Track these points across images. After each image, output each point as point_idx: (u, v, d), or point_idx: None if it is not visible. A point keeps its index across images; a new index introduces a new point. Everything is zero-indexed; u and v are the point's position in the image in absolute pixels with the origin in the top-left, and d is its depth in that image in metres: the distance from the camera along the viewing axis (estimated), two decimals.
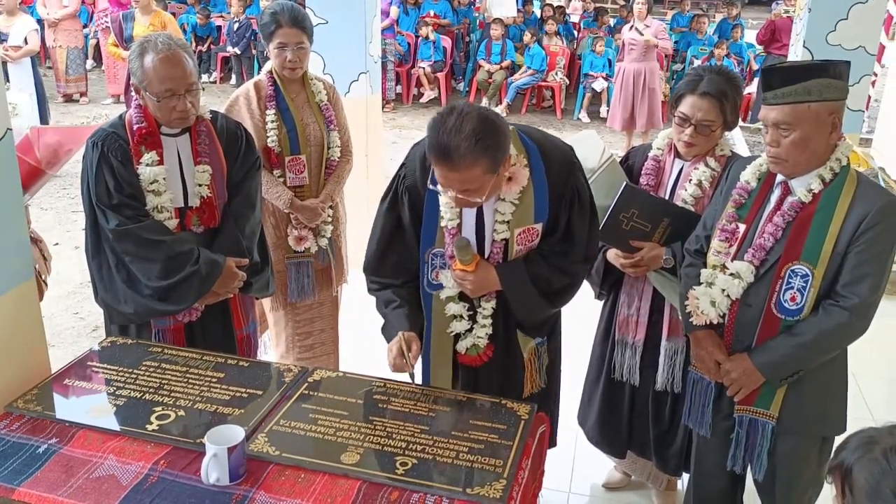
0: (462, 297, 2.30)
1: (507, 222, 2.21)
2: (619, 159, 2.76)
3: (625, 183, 2.53)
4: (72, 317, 4.43)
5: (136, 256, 2.38)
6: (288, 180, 3.13)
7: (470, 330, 2.32)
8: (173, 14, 10.28)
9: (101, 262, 2.46)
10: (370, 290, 2.43)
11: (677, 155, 2.60)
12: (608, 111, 8.57)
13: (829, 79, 2.00)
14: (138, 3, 5.82)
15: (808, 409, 2.16)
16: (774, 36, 9.02)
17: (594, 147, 2.67)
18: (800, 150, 2.03)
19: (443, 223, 2.25)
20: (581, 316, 2.91)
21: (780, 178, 2.15)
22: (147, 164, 2.40)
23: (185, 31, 10.40)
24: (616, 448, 2.91)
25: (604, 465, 3.15)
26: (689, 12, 11.88)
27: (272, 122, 3.09)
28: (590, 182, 2.51)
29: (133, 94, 2.46)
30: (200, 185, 2.49)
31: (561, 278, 2.30)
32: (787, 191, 2.13)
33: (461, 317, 2.30)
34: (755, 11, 12.53)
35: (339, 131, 3.26)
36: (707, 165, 2.52)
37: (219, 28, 11.50)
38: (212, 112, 2.57)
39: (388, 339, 2.29)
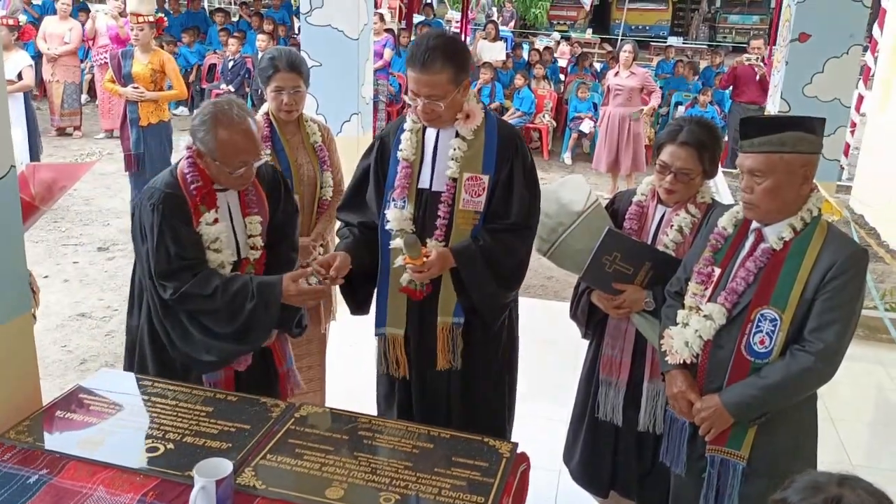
0: (413, 233, 2.55)
1: (458, 160, 2.52)
2: (604, 202, 2.86)
3: (608, 227, 2.62)
4: (59, 350, 4.46)
5: (200, 312, 2.39)
6: None
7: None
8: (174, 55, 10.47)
9: (173, 320, 2.42)
10: (338, 231, 2.79)
11: (660, 201, 2.70)
12: (593, 154, 8.73)
13: (802, 133, 2.11)
14: (138, 41, 5.93)
15: (779, 451, 2.23)
16: (737, 83, 9.24)
17: (580, 190, 2.75)
18: (771, 197, 2.13)
19: (401, 154, 2.57)
20: (566, 355, 2.98)
21: (754, 225, 2.25)
22: (208, 224, 2.41)
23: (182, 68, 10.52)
24: (599, 488, 2.94)
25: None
26: (673, 59, 12.15)
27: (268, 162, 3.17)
28: (575, 224, 2.63)
29: (187, 152, 2.42)
30: (253, 236, 2.51)
31: (509, 257, 2.59)
32: (760, 238, 2.22)
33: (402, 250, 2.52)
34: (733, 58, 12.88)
35: (333, 171, 3.36)
36: (688, 212, 2.62)
37: (212, 66, 11.67)
38: None
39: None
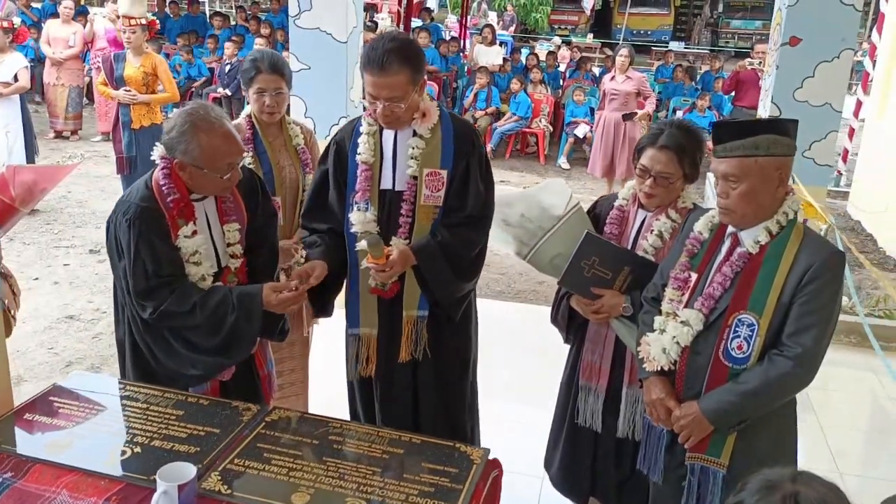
0: (378, 234, 2.59)
1: (417, 158, 2.58)
2: (586, 207, 2.83)
3: (586, 231, 2.60)
4: (46, 352, 4.44)
5: (182, 328, 2.35)
6: None
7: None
8: (167, 55, 10.48)
9: (155, 336, 2.38)
10: (303, 238, 2.79)
11: (641, 206, 2.67)
12: (589, 158, 8.71)
13: (776, 135, 2.09)
14: (130, 44, 5.92)
15: (758, 458, 2.19)
16: (739, 87, 9.21)
17: (561, 194, 2.73)
18: (747, 201, 2.10)
19: (359, 158, 2.61)
20: (557, 360, 2.97)
21: (730, 229, 2.22)
22: (186, 237, 2.35)
23: (176, 73, 10.53)
24: (578, 495, 2.91)
25: None
26: (672, 64, 12.13)
27: (249, 163, 3.16)
28: (555, 228, 2.62)
29: (161, 163, 2.36)
30: (232, 244, 2.47)
31: (467, 250, 2.67)
32: (736, 242, 2.20)
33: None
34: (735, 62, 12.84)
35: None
36: (668, 217, 2.59)
37: (211, 70, 11.68)
38: None
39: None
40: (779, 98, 4.23)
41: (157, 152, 2.38)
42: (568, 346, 2.94)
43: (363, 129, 2.65)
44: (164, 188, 2.33)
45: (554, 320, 2.90)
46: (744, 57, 11.06)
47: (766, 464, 2.20)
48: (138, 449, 2.10)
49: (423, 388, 2.78)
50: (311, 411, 3.01)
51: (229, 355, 2.39)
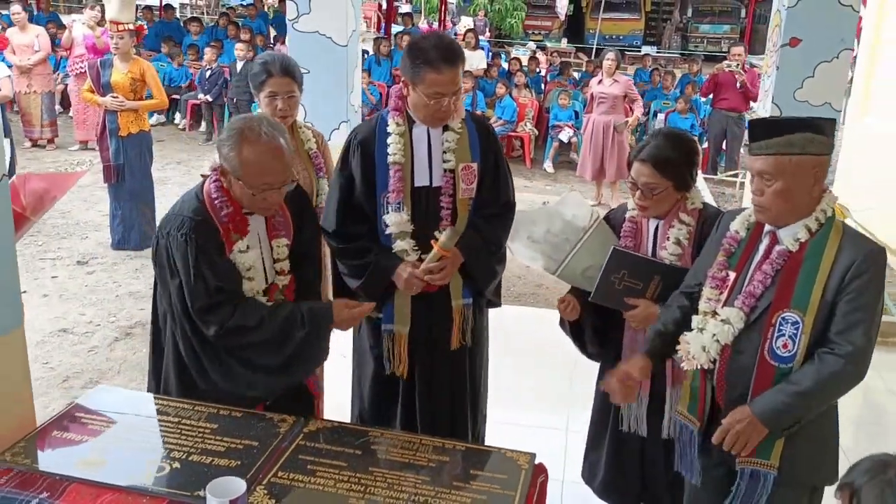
0: (412, 235, 2.65)
1: (454, 151, 2.64)
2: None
3: (612, 246, 2.60)
4: (41, 367, 4.31)
5: (247, 345, 2.24)
6: None
7: (420, 261, 2.62)
8: None
9: (212, 356, 2.25)
10: (340, 251, 2.72)
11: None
12: (578, 159, 8.73)
13: (812, 133, 2.07)
14: (118, 49, 5.80)
15: (803, 458, 2.18)
16: (717, 90, 9.29)
17: (582, 206, 2.75)
18: (782, 199, 2.09)
19: (392, 158, 2.61)
20: (556, 363, 2.97)
21: (768, 227, 2.21)
22: (241, 252, 2.25)
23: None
24: (629, 501, 2.89)
25: None
26: (650, 67, 12.23)
27: None
28: (583, 240, 2.65)
29: (213, 174, 2.28)
30: (280, 261, 2.37)
31: (504, 235, 2.77)
32: (774, 240, 2.18)
33: (408, 252, 2.64)
34: (708, 67, 12.99)
35: (328, 178, 3.28)
36: (682, 222, 2.57)
37: (188, 75, 11.53)
38: None
39: (379, 279, 2.64)
40: (779, 98, 4.26)
41: (210, 163, 2.29)
42: (569, 349, 2.93)
43: (391, 129, 2.64)
44: (216, 201, 2.23)
45: (577, 345, 2.89)
46: (714, 61, 11.17)
47: (812, 464, 2.20)
48: (177, 464, 2.03)
49: (458, 382, 2.85)
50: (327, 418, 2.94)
51: (290, 373, 2.30)
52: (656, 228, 2.64)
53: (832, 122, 2.16)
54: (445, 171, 2.66)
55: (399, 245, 2.64)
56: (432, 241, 2.60)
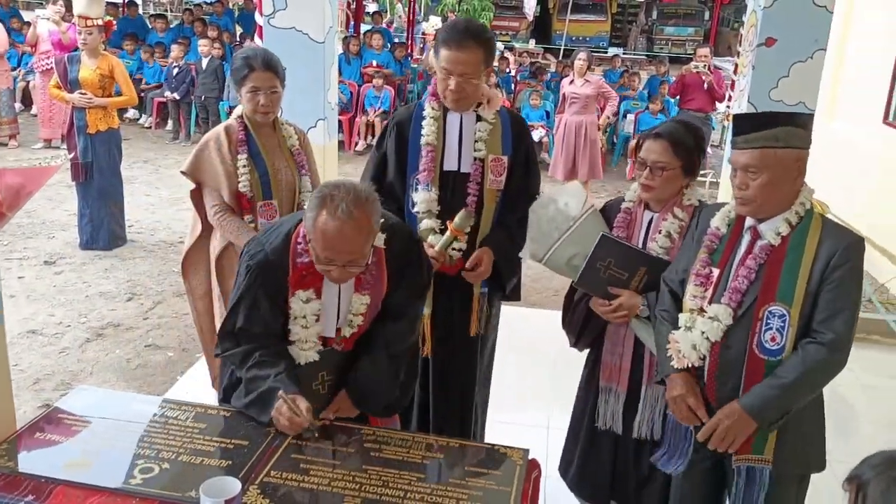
0: (438, 215, 2.72)
1: (486, 141, 2.70)
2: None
3: (601, 233, 2.60)
4: (11, 369, 4.18)
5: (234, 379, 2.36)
6: (259, 225, 3.08)
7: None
8: None
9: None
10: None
11: (647, 207, 2.67)
12: (550, 160, 8.76)
13: (794, 127, 2.12)
14: (86, 45, 5.68)
15: (792, 448, 2.21)
16: (685, 91, 9.39)
17: (577, 195, 2.74)
18: (767, 192, 2.12)
19: (425, 139, 2.70)
20: (540, 362, 2.96)
21: (749, 222, 2.23)
22: (302, 301, 2.23)
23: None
24: (599, 497, 2.88)
25: None
26: (620, 69, 12.34)
27: (244, 166, 3.05)
28: (572, 229, 2.63)
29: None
30: (355, 315, 2.30)
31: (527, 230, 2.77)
32: (756, 235, 2.21)
33: (434, 230, 2.70)
34: (674, 69, 13.12)
35: (311, 176, 3.25)
36: (675, 216, 2.59)
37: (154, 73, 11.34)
38: (388, 230, 2.30)
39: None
40: (755, 97, 4.31)
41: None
42: (564, 349, 2.92)
43: (427, 112, 2.75)
44: (299, 247, 2.20)
45: (566, 324, 2.88)
46: (679, 62, 11.27)
47: (802, 453, 2.22)
48: (166, 465, 1.99)
49: (470, 368, 2.91)
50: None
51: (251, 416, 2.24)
52: (650, 221, 2.65)
53: (811, 117, 2.21)
54: (476, 159, 2.73)
55: (425, 223, 2.71)
56: (447, 223, 2.67)
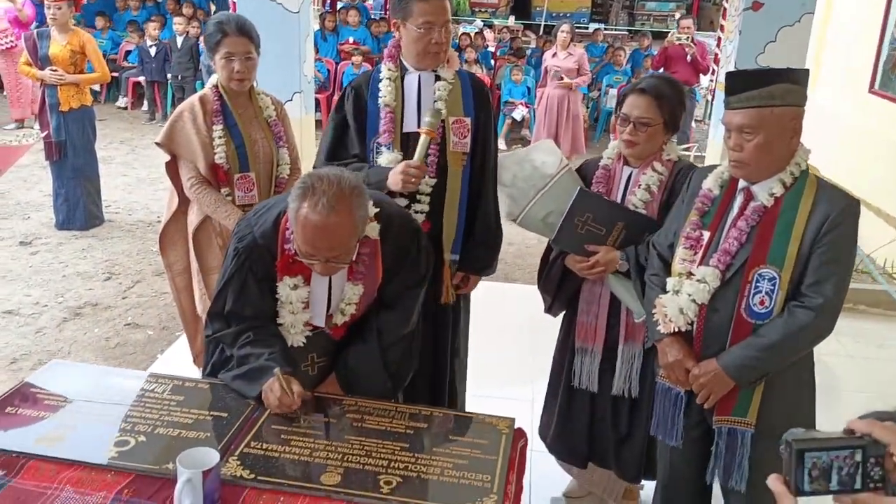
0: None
1: (445, 101, 2.62)
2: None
3: (579, 187, 2.57)
4: None
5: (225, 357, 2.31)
6: (237, 198, 3.01)
7: (408, 207, 2.60)
8: None
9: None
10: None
11: (626, 163, 2.65)
12: (531, 136, 8.70)
13: (790, 84, 2.05)
14: (56, 21, 5.52)
15: (780, 413, 2.18)
16: (668, 63, 9.32)
17: (552, 153, 2.72)
18: (763, 153, 2.06)
19: (382, 101, 2.62)
20: (514, 336, 2.93)
21: (742, 184, 2.18)
22: (289, 287, 2.17)
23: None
24: (578, 458, 2.90)
25: (560, 482, 3.12)
26: (602, 43, 12.25)
27: (220, 137, 2.98)
28: (548, 186, 2.62)
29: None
30: (348, 304, 2.23)
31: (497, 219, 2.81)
32: (749, 196, 2.16)
33: (399, 195, 2.58)
34: (656, 44, 13.05)
35: (289, 148, 3.17)
36: (654, 170, 2.57)
37: (128, 52, 11.13)
38: (385, 219, 2.22)
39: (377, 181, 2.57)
40: (742, 62, 4.27)
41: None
42: (548, 325, 2.92)
43: (384, 73, 2.67)
44: (288, 232, 2.11)
45: (541, 284, 2.86)
46: (661, 38, 11.17)
47: (790, 414, 2.20)
48: (142, 438, 1.93)
49: (441, 340, 2.83)
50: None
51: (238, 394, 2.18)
52: (629, 176, 2.63)
53: (808, 73, 2.15)
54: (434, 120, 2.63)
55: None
56: (418, 129, 2.58)
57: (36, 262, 5.36)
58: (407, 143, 2.64)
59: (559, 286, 2.77)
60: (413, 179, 2.52)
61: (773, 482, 1.12)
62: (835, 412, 4.01)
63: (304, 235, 1.98)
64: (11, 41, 8.73)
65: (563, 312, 2.86)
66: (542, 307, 2.88)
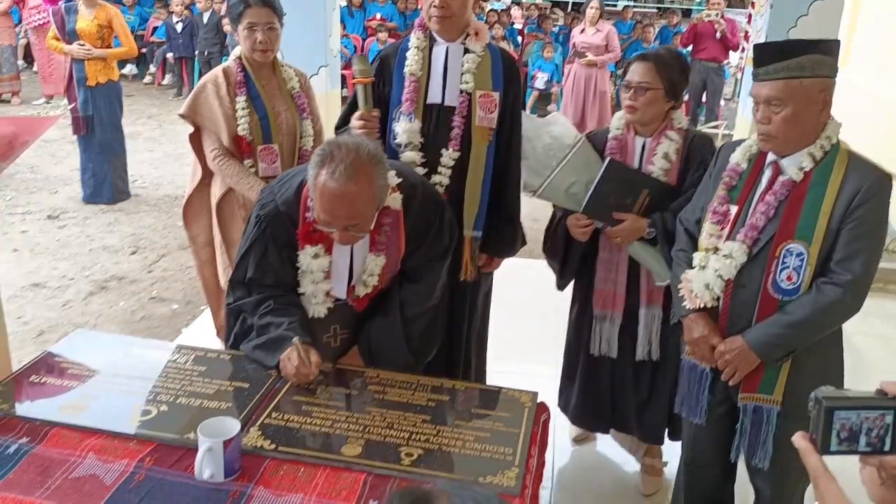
0: (420, 148, 2.58)
1: (473, 74, 2.55)
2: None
3: (609, 157, 2.60)
4: (14, 321, 4.16)
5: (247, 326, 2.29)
6: (260, 170, 3.00)
7: (428, 176, 2.55)
8: None
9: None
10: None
11: (636, 132, 2.65)
12: (559, 110, 8.61)
13: (820, 55, 1.99)
14: None
15: (807, 391, 2.11)
16: (697, 40, 9.15)
17: (565, 125, 2.76)
18: (791, 126, 2.00)
19: (408, 69, 2.57)
20: (527, 312, 2.91)
21: (770, 157, 2.12)
22: (310, 256, 2.15)
23: None
24: (601, 424, 2.94)
25: (582, 456, 3.11)
26: (631, 20, 12.08)
27: (243, 109, 2.96)
28: (569, 157, 2.66)
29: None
30: (370, 275, 2.21)
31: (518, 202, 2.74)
32: (778, 170, 2.10)
33: (415, 162, 2.55)
34: (684, 23, 12.84)
35: (312, 120, 3.16)
36: (669, 138, 2.58)
37: (155, 28, 11.17)
38: (408, 189, 2.19)
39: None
40: (773, 36, 4.16)
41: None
42: (551, 300, 2.97)
43: (412, 42, 2.62)
44: (309, 201, 2.08)
45: (548, 251, 2.88)
46: (688, 16, 10.99)
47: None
48: (164, 407, 1.94)
49: (459, 316, 2.76)
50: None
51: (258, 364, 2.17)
52: (643, 146, 2.64)
53: (838, 43, 2.07)
54: (462, 92, 2.57)
55: (407, 156, 2.55)
56: (351, 82, 2.55)
57: (63, 235, 5.42)
58: (429, 115, 2.59)
59: (566, 249, 2.79)
60: (372, 128, 2.51)
61: (799, 439, 1.08)
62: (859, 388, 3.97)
63: (322, 203, 1.96)
64: (44, 17, 8.80)
65: (573, 285, 2.86)
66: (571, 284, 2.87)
